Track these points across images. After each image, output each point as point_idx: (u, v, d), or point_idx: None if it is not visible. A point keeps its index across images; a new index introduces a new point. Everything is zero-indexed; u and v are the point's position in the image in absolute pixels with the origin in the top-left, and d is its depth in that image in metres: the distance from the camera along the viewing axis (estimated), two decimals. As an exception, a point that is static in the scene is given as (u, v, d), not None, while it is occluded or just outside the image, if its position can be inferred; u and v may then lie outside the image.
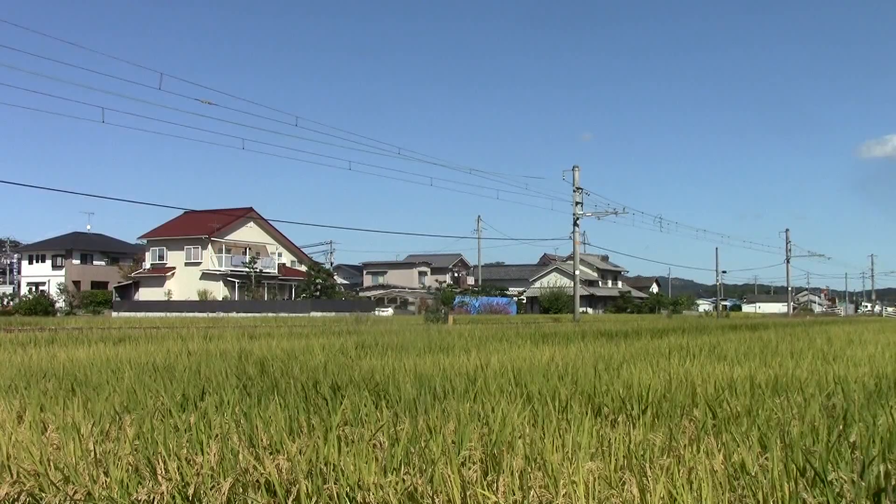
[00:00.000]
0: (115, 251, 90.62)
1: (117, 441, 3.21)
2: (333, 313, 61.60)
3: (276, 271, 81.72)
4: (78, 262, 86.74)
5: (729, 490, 2.47)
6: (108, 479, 2.71)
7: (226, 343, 10.36)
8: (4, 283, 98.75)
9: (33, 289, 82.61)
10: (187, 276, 77.79)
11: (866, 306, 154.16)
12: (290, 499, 2.52)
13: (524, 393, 4.47)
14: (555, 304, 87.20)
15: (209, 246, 77.63)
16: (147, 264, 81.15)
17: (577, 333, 13.54)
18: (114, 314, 65.39)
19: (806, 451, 2.74)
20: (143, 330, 16.25)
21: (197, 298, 73.28)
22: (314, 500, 2.50)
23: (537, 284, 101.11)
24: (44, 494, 2.68)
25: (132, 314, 60.45)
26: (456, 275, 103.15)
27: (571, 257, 51.34)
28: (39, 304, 63.29)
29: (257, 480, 2.65)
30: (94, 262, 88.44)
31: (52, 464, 2.89)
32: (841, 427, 3.39)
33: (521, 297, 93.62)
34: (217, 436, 3.19)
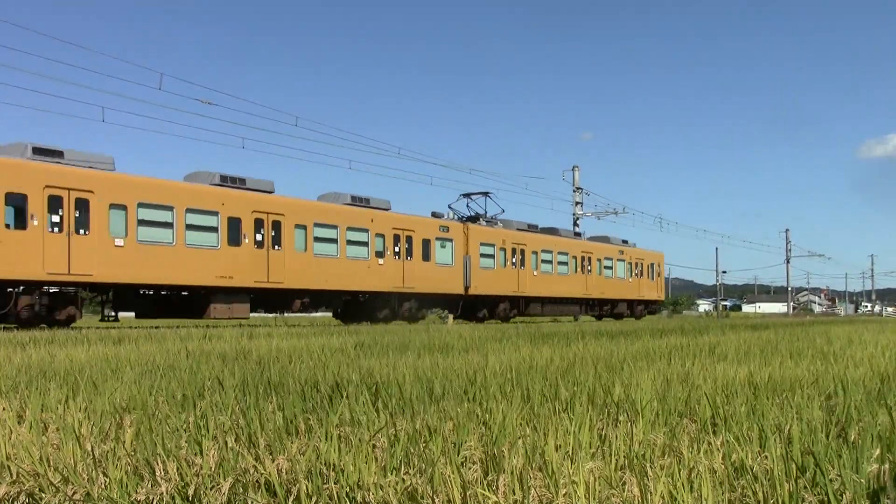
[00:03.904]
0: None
1: (117, 441, 3.21)
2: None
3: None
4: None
5: (729, 489, 2.47)
6: (108, 480, 2.70)
7: (225, 343, 10.36)
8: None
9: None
10: (187, 277, 77.53)
11: (866, 306, 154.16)
12: (291, 499, 2.52)
13: (524, 392, 4.47)
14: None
15: None
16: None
17: (577, 333, 13.55)
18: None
19: (806, 450, 2.74)
20: (143, 330, 16.24)
21: (196, 298, 73.03)
22: (314, 500, 2.50)
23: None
24: (43, 495, 2.68)
25: (132, 314, 60.26)
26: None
27: (571, 257, 51.29)
28: (39, 305, 63.17)
29: (257, 481, 2.65)
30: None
31: (51, 464, 2.88)
32: (840, 426, 3.39)
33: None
34: (216, 436, 3.19)
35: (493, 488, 2.49)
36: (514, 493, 2.45)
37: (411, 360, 7.18)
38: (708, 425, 3.52)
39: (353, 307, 28.92)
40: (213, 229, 23.23)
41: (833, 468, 2.53)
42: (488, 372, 5.69)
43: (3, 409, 4.04)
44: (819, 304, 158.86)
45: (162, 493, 2.59)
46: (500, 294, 34.19)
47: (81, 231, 20.07)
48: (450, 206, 35.62)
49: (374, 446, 3.02)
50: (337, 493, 2.51)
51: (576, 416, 3.51)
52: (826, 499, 2.33)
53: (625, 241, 45.18)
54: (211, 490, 2.60)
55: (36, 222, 19.15)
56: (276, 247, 24.89)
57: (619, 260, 43.06)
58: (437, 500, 2.46)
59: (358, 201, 28.77)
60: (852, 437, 3.13)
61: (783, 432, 3.18)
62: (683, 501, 2.35)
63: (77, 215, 20.00)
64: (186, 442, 3.14)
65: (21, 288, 19.53)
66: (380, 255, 28.52)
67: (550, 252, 37.30)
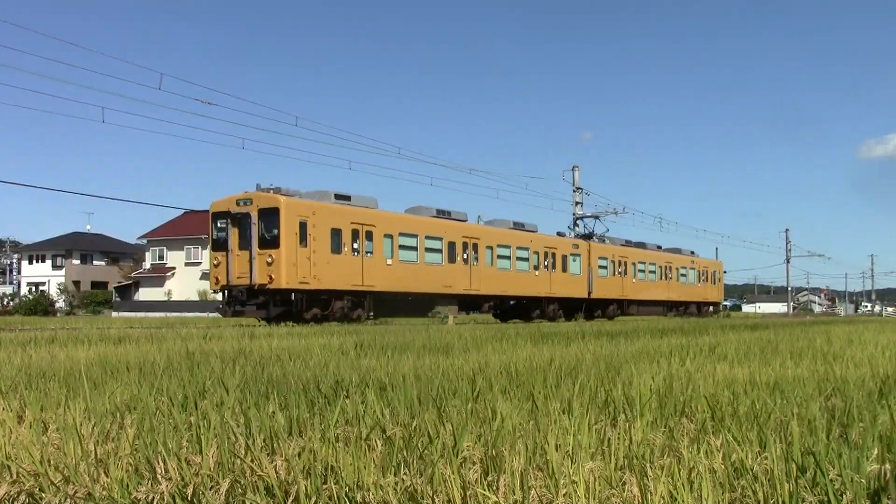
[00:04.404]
0: (115, 251, 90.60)
1: (117, 441, 3.21)
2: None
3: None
4: (78, 262, 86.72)
5: (729, 490, 2.47)
6: (108, 479, 2.71)
7: (225, 343, 10.37)
8: (4, 283, 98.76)
9: (33, 289, 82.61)
10: (187, 276, 77.77)
11: (866, 306, 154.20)
12: (289, 499, 2.52)
13: (524, 392, 4.47)
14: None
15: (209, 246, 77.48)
16: (147, 264, 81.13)
17: (577, 333, 13.55)
18: (114, 314, 65.42)
19: (806, 450, 2.74)
20: (143, 330, 16.25)
21: (197, 298, 73.26)
22: (313, 500, 2.50)
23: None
24: (44, 494, 2.68)
25: (132, 314, 60.49)
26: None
27: (571, 257, 51.35)
28: (39, 305, 63.35)
29: (256, 481, 2.65)
30: (94, 262, 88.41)
31: (52, 464, 2.89)
32: (841, 427, 3.39)
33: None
34: (216, 436, 3.19)
35: (494, 488, 2.49)
36: (515, 493, 2.45)
37: (412, 360, 7.18)
38: (708, 425, 3.52)
39: (514, 309, 37.21)
40: (439, 251, 31.50)
41: (834, 468, 2.53)
42: (489, 372, 5.69)
43: (3, 409, 4.04)
44: (819, 304, 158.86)
45: (162, 493, 2.59)
46: (611, 297, 42.85)
47: (368, 254, 28.05)
48: (569, 227, 46.01)
49: (370, 447, 3.02)
50: (336, 493, 2.51)
51: (575, 415, 3.51)
52: (826, 499, 2.33)
53: (692, 252, 54.68)
54: (210, 490, 2.60)
55: (346, 249, 27.11)
56: (475, 263, 33.14)
57: (690, 268, 52.84)
58: (436, 501, 2.46)
59: (518, 226, 37.09)
60: (853, 437, 3.13)
61: (783, 432, 3.18)
62: (683, 501, 2.35)
63: (367, 243, 27.94)
64: (188, 441, 3.14)
65: (333, 296, 27.04)
66: (536, 267, 36.94)
67: (644, 263, 46.72)
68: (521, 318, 35.92)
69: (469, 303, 34.05)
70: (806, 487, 2.41)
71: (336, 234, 26.84)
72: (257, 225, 25.28)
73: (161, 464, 2.78)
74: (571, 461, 2.73)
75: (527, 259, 36.50)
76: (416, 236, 30.41)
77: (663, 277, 48.51)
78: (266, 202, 25.30)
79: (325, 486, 2.55)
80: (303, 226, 25.62)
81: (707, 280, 55.47)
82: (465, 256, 32.62)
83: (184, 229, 77.59)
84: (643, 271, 46.38)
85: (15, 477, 2.82)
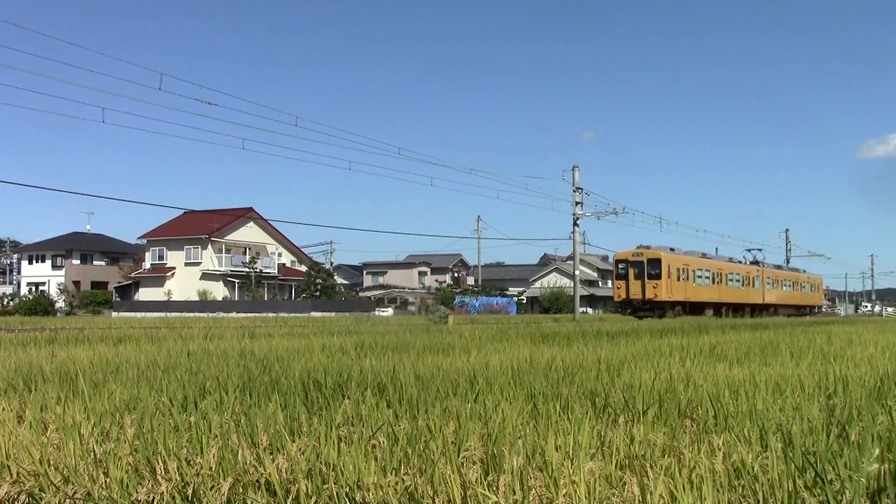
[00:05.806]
0: (115, 251, 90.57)
1: (117, 441, 3.21)
2: (333, 313, 61.68)
3: (276, 271, 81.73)
4: (78, 262, 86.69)
5: (729, 490, 2.47)
6: (108, 480, 2.71)
7: (226, 343, 10.37)
8: (4, 283, 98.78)
9: (33, 289, 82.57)
10: (187, 276, 77.73)
11: (866, 306, 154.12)
12: (290, 498, 2.52)
13: (525, 392, 4.48)
14: (555, 304, 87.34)
15: (209, 246, 77.58)
16: (147, 264, 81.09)
17: (578, 333, 13.55)
18: (114, 314, 65.40)
19: (806, 450, 2.74)
20: (143, 330, 16.24)
21: (197, 298, 73.27)
22: (314, 499, 2.50)
23: (537, 284, 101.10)
24: (44, 494, 2.68)
25: (132, 314, 60.49)
26: (456, 275, 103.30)
27: (571, 257, 51.66)
28: (39, 305, 63.27)
29: (257, 480, 2.66)
30: (94, 262, 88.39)
31: (52, 464, 2.89)
32: (840, 427, 3.40)
33: (521, 297, 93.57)
34: (217, 436, 3.19)
35: (494, 488, 2.49)
36: (515, 493, 2.45)
37: (412, 360, 7.18)
38: (709, 425, 3.52)
39: (732, 310, 53.70)
40: (708, 278, 51.77)
41: (833, 468, 2.53)
42: (489, 372, 5.69)
43: (3, 409, 4.04)
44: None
45: (162, 493, 2.59)
46: (770, 303, 63.76)
47: (687, 281, 48.27)
48: (743, 256, 65.05)
49: (374, 446, 3.02)
50: (336, 492, 2.51)
51: (575, 416, 3.51)
52: (826, 499, 2.33)
53: (804, 271, 77.68)
54: (211, 490, 2.60)
55: (681, 279, 47.35)
56: (720, 283, 53.45)
57: (806, 282, 75.73)
58: (437, 500, 2.46)
59: (731, 260, 58.04)
60: (853, 437, 3.14)
61: (783, 432, 3.18)
62: (683, 501, 2.35)
63: (685, 275, 48.04)
64: (188, 441, 3.14)
65: (674, 304, 46.50)
66: (742, 285, 57.82)
67: (786, 280, 69.48)
68: (734, 315, 52.30)
69: (718, 307, 51.85)
70: (806, 488, 2.41)
71: (678, 270, 47.26)
72: (646, 267, 45.54)
73: (161, 464, 2.78)
74: (571, 461, 2.73)
75: (738, 280, 57.65)
76: (702, 269, 50.97)
77: (793, 288, 71.68)
78: (652, 255, 45.65)
79: (325, 486, 2.55)
80: (668, 267, 46.16)
81: (815, 290, 78.50)
82: (718, 280, 53.25)
83: (184, 229, 77.55)
84: (785, 285, 69.59)
85: (15, 477, 2.82)
